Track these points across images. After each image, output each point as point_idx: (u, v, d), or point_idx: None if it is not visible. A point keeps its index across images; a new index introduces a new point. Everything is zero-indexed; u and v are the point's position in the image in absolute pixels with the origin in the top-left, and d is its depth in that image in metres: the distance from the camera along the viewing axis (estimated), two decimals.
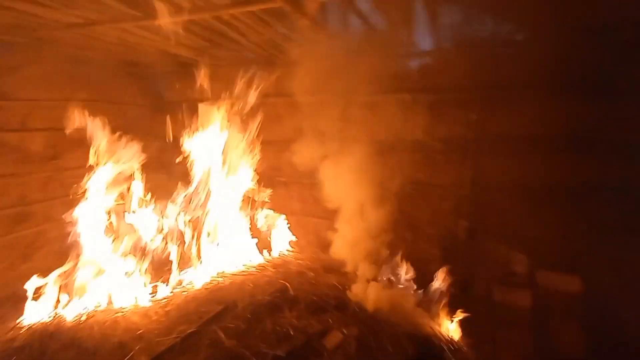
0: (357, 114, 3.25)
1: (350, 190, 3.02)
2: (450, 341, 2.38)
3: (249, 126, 3.91)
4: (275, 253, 3.47)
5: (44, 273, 2.61)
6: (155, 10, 2.49)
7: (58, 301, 2.53)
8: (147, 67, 3.91)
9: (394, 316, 2.39)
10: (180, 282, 2.86)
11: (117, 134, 2.97)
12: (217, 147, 3.46)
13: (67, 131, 2.84)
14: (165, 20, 2.66)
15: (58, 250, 2.76)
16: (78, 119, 2.91)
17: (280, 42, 3.33)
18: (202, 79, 3.70)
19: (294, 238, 3.67)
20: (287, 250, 3.55)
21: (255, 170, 3.72)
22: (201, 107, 3.56)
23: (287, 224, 3.72)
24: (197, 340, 2.11)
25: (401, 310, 2.45)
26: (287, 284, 2.61)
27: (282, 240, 3.61)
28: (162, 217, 3.16)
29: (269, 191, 3.69)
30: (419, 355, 2.14)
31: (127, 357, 1.96)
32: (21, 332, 2.14)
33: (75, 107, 3.29)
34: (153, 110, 4.11)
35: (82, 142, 2.92)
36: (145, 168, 3.15)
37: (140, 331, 2.18)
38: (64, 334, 2.06)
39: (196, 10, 2.49)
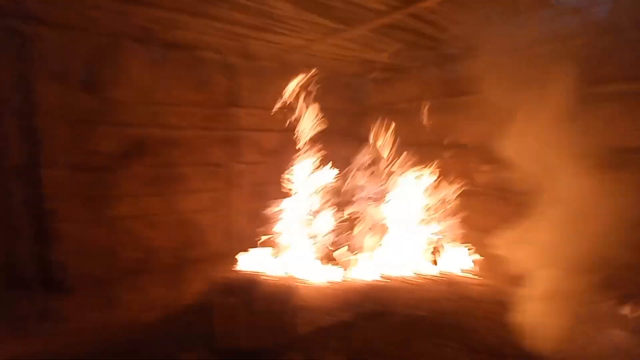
0: (593, 112, 2.40)
1: (570, 213, 2.24)
2: None
3: (444, 129, 3.67)
4: (448, 268, 3.09)
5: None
6: (354, 20, 2.73)
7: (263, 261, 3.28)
8: (348, 75, 4.39)
9: None
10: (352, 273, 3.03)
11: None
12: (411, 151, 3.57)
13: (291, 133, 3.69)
14: (364, 27, 2.88)
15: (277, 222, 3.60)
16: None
17: (485, 31, 2.91)
18: (399, 82, 3.76)
19: (476, 257, 3.14)
20: (466, 269, 3.08)
21: (442, 176, 3.47)
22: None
23: (471, 240, 3.23)
24: (349, 332, 2.15)
25: None
26: (460, 311, 2.24)
27: (461, 256, 3.16)
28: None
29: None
30: None
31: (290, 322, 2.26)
32: (240, 275, 2.94)
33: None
34: (352, 115, 4.54)
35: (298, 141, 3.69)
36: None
37: (310, 303, 2.46)
38: (262, 285, 2.65)
39: (392, 10, 2.55)
